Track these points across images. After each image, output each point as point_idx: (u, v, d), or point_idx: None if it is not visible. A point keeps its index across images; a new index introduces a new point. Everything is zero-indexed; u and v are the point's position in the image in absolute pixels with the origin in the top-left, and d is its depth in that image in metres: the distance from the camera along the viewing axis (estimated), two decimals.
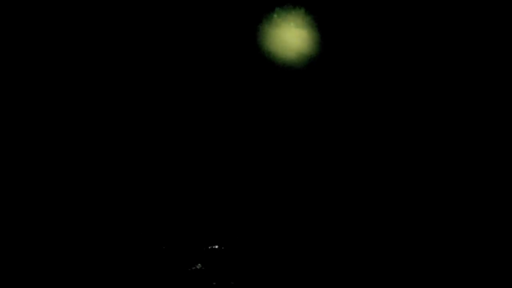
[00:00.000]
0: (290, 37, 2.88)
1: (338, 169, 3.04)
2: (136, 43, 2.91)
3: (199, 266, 2.72)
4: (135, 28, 2.88)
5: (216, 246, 2.88)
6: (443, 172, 2.90)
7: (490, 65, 2.81)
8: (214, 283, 2.65)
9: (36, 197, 2.75)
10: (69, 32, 2.81)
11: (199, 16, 2.89)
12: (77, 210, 2.81)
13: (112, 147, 2.94)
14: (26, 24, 2.72)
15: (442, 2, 2.78)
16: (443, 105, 2.91)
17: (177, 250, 2.83)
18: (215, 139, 3.08)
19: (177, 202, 3.01)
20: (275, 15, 2.81)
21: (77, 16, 2.80)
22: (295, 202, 3.06)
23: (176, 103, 3.03)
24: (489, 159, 2.82)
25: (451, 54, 2.87)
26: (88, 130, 2.90)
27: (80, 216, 2.80)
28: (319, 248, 2.88)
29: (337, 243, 2.89)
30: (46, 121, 2.82)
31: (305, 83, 3.02)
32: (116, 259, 2.69)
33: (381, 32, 2.89)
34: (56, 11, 2.75)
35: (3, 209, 2.65)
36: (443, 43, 2.86)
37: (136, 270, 2.66)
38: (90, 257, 2.67)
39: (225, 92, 3.04)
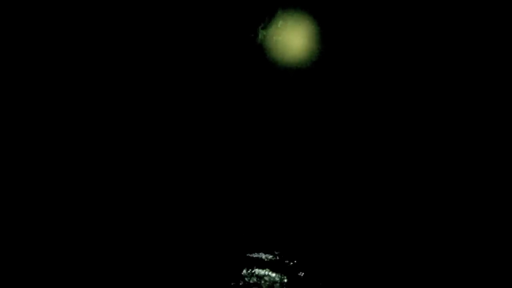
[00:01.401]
0: (292, 38, 2.89)
1: (339, 168, 3.05)
2: (139, 44, 2.91)
3: (199, 266, 2.72)
4: (140, 29, 2.89)
5: (217, 247, 2.87)
6: (442, 171, 2.90)
7: (490, 65, 2.82)
8: (214, 283, 2.64)
9: (36, 197, 2.74)
10: (69, 32, 2.81)
11: (201, 17, 2.89)
12: (77, 210, 2.81)
13: (112, 147, 2.94)
14: (26, 24, 2.71)
15: (442, 2, 2.80)
16: (444, 105, 2.92)
17: (178, 250, 2.83)
18: (216, 139, 3.08)
19: (178, 202, 3.01)
20: (277, 16, 2.82)
21: (77, 16, 2.80)
22: (295, 202, 3.06)
23: (178, 103, 3.03)
24: (489, 159, 2.82)
25: (451, 54, 2.88)
26: (88, 130, 2.90)
27: (80, 216, 2.80)
28: (319, 248, 2.88)
29: (337, 243, 2.89)
30: (46, 121, 2.82)
31: (306, 83, 3.02)
32: (116, 259, 2.68)
33: (382, 33, 2.90)
34: (56, 11, 2.75)
35: (3, 209, 2.64)
36: (443, 43, 2.87)
37: (136, 270, 2.65)
38: (90, 257, 2.66)
39: (227, 93, 3.04)
